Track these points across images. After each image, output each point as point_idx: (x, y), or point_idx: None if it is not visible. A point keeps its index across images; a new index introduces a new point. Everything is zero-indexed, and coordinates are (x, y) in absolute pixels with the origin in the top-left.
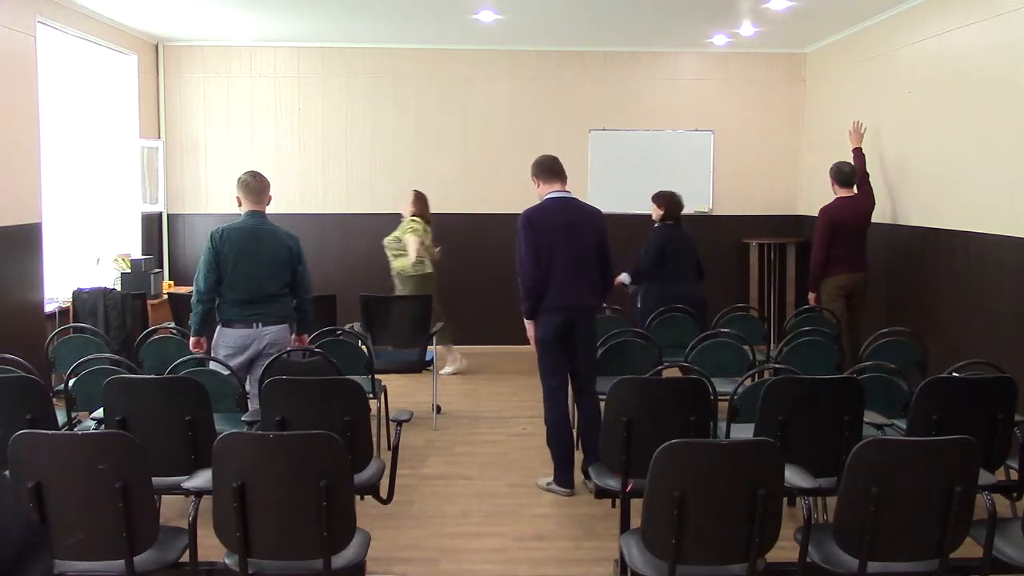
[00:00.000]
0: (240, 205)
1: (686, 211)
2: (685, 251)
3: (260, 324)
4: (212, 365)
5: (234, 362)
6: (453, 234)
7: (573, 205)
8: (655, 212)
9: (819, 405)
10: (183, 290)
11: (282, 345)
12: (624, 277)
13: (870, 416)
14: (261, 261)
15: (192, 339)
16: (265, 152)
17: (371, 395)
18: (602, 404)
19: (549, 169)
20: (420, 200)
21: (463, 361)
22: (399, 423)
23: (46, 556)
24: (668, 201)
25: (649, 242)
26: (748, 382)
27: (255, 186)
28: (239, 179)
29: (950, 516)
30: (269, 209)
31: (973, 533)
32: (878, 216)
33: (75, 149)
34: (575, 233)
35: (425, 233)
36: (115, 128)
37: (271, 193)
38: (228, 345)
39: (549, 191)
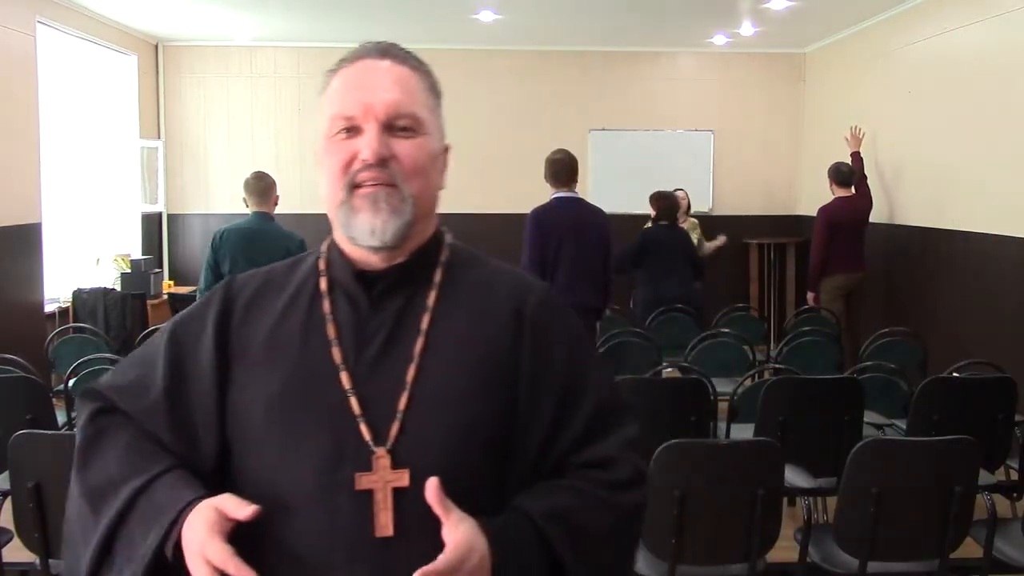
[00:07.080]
0: (247, 206)
1: None
2: (673, 252)
3: None
4: None
5: None
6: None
7: (581, 206)
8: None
9: (819, 405)
10: (183, 290)
11: None
12: None
13: (870, 416)
14: (256, 261)
15: None
16: (265, 152)
17: None
18: None
19: (563, 175)
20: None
21: None
22: None
23: None
24: (659, 201)
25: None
26: (748, 382)
27: (256, 186)
28: (245, 179)
29: (950, 516)
30: (277, 210)
31: (973, 533)
32: (876, 216)
33: (75, 149)
34: (581, 234)
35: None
36: (115, 128)
37: (278, 193)
38: None
39: (558, 191)
